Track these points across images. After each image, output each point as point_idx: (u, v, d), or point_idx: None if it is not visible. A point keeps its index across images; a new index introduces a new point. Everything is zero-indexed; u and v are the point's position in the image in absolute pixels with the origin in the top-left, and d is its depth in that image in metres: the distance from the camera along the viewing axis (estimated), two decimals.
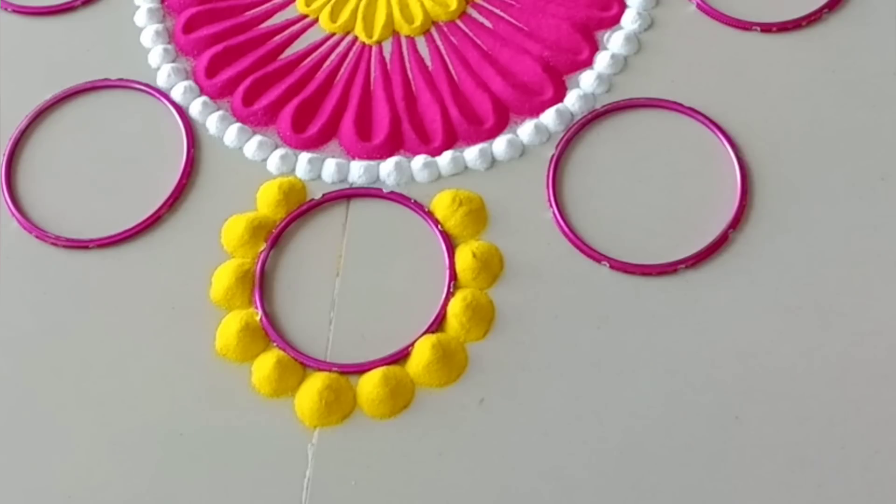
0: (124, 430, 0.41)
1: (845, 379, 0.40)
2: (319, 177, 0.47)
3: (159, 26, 0.52)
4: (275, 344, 0.43)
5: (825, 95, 0.46)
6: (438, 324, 0.43)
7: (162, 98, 0.50)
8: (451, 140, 0.48)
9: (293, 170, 0.47)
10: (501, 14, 0.51)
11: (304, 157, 0.47)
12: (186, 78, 0.50)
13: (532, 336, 0.42)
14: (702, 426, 0.40)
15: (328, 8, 0.52)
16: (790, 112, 0.46)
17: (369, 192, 0.46)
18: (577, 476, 0.39)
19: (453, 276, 0.44)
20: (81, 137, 0.49)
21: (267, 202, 0.46)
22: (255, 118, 0.49)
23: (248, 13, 0.53)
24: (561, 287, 0.43)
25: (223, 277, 0.44)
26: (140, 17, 0.52)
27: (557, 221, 0.45)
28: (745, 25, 0.49)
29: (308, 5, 0.52)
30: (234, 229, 0.45)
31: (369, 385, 0.41)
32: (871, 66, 0.47)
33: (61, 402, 0.42)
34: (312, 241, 0.45)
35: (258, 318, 0.43)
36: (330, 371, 0.42)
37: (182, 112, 0.49)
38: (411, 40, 0.51)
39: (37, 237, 0.46)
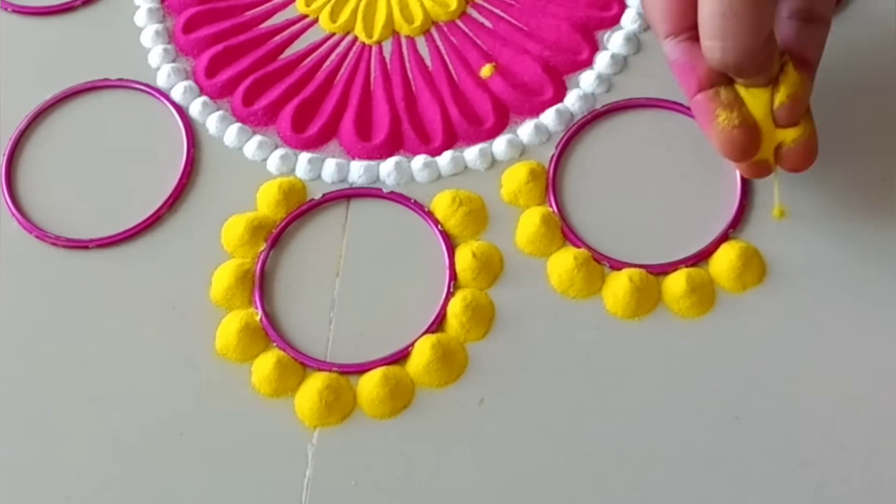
0: (124, 430, 0.41)
1: (845, 379, 0.40)
2: (319, 177, 0.47)
3: (159, 26, 0.52)
4: (275, 344, 0.43)
5: (825, 95, 0.46)
6: (438, 324, 0.43)
7: (162, 98, 0.50)
8: (451, 140, 0.48)
9: (293, 170, 0.47)
10: (501, 14, 0.51)
11: (304, 157, 0.47)
12: (186, 78, 0.50)
13: (532, 336, 0.42)
14: (702, 426, 0.40)
15: (328, 8, 0.52)
16: None
17: (369, 192, 0.46)
18: (577, 476, 0.39)
19: (453, 276, 0.44)
20: (81, 137, 0.49)
21: (267, 202, 0.46)
22: (255, 118, 0.49)
23: (248, 13, 0.53)
24: None
25: (223, 277, 0.44)
26: (140, 17, 0.52)
27: None
28: None
29: (308, 5, 0.53)
30: (234, 229, 0.45)
31: (369, 385, 0.41)
32: (871, 65, 0.47)
33: (61, 402, 0.42)
34: (312, 241, 0.45)
35: (258, 318, 0.43)
36: (330, 371, 0.42)
37: (182, 112, 0.49)
38: (411, 40, 0.51)
39: (37, 237, 0.46)
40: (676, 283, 0.42)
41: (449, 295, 0.43)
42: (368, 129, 0.48)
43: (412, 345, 0.42)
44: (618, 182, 0.46)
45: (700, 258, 0.43)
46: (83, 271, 0.45)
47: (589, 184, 0.46)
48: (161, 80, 0.50)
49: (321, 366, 0.42)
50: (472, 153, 0.47)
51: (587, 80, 0.48)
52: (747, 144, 0.39)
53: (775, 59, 0.39)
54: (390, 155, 0.47)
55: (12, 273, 0.46)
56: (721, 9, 0.36)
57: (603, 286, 0.43)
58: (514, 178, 0.46)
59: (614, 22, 0.50)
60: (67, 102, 0.50)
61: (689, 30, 0.39)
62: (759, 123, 0.40)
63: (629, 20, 0.50)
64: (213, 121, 0.49)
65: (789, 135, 0.40)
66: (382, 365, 0.42)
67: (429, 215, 0.45)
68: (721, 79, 0.39)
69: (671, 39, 0.40)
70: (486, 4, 0.52)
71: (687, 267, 0.43)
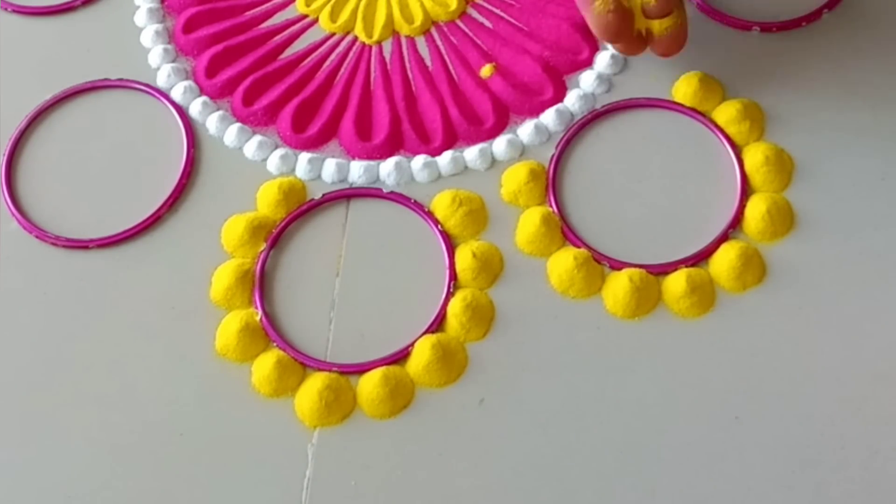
0: (124, 430, 0.41)
1: (845, 379, 0.40)
2: (319, 177, 0.47)
3: (159, 26, 0.52)
4: (275, 344, 0.43)
5: (825, 95, 0.46)
6: (438, 324, 0.43)
7: (162, 98, 0.50)
8: (451, 140, 0.48)
9: (293, 170, 0.47)
10: (501, 14, 0.51)
11: (304, 157, 0.47)
12: (186, 78, 0.50)
13: (532, 336, 0.42)
14: (702, 426, 0.40)
15: (328, 8, 0.52)
16: (789, 112, 0.46)
17: (369, 192, 0.46)
18: (577, 476, 0.39)
19: (453, 276, 0.44)
20: (81, 137, 0.49)
21: (267, 202, 0.46)
22: (255, 118, 0.49)
23: (248, 13, 0.53)
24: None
25: (223, 277, 0.44)
26: (140, 17, 0.52)
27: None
28: (745, 25, 0.49)
29: (308, 5, 0.53)
30: (234, 229, 0.45)
31: (369, 385, 0.41)
32: (871, 66, 0.47)
33: (61, 402, 0.42)
34: (312, 241, 0.45)
35: (258, 318, 0.43)
36: (330, 371, 0.42)
37: (182, 112, 0.49)
38: (411, 40, 0.51)
39: (37, 237, 0.46)
40: (676, 283, 0.42)
41: (449, 295, 0.43)
42: (368, 129, 0.48)
43: (412, 345, 0.42)
44: (618, 182, 0.46)
45: (700, 258, 0.43)
46: (83, 271, 0.45)
47: (589, 184, 0.46)
48: (161, 80, 0.50)
49: (321, 366, 0.42)
50: (472, 153, 0.47)
51: (587, 80, 0.48)
52: (620, 27, 0.44)
53: None
54: (390, 155, 0.47)
55: (12, 273, 0.46)
56: None
57: (603, 286, 0.43)
58: (514, 178, 0.46)
59: None
60: (67, 102, 0.50)
61: None
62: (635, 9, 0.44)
63: None
64: (213, 121, 0.49)
65: (662, 24, 0.44)
66: (382, 365, 0.42)
67: (429, 215, 0.45)
68: None
69: None
70: (486, 4, 0.52)
71: (687, 267, 0.43)
